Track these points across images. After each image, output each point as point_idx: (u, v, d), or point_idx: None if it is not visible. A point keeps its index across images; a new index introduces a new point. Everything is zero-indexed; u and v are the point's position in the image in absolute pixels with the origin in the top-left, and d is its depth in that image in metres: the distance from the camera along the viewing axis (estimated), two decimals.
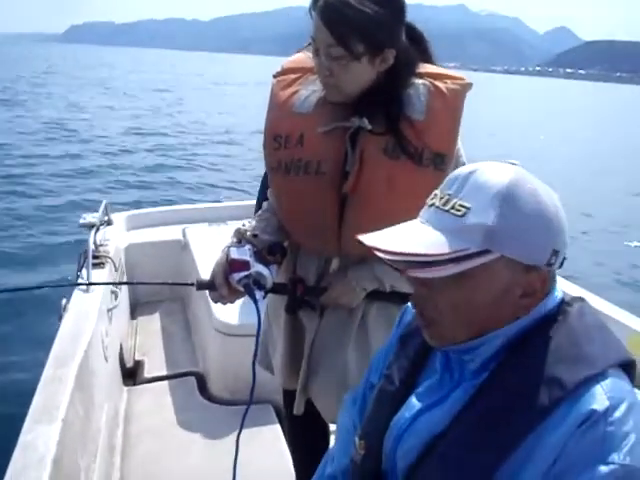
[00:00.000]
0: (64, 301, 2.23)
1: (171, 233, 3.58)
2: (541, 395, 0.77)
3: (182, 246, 3.40)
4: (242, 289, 1.30)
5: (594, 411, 0.74)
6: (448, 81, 1.35)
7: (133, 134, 15.56)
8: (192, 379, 2.79)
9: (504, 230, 0.78)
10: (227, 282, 1.31)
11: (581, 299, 0.89)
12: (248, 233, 1.44)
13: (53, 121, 17.03)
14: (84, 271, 2.48)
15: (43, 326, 3.17)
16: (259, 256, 1.36)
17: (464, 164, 1.43)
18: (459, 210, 0.80)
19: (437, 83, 1.35)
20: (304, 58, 1.45)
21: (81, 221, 2.83)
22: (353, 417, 1.13)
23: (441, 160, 1.33)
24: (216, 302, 1.39)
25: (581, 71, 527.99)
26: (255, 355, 1.28)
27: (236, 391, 2.56)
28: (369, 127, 1.32)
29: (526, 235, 0.79)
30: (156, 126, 17.31)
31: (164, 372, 2.86)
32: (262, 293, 1.32)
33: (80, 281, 2.41)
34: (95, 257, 2.62)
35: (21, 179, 9.82)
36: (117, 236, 3.26)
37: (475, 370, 0.86)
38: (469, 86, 1.37)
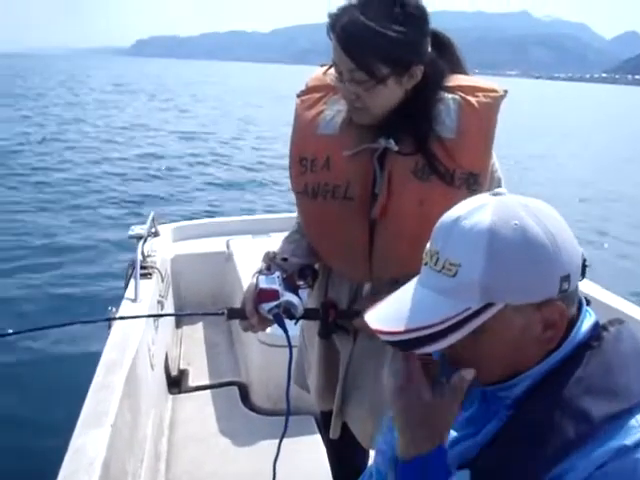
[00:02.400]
0: (113, 310, 2.31)
1: (216, 245, 3.64)
2: (567, 429, 0.73)
3: (226, 257, 3.45)
4: (272, 318, 1.27)
5: (623, 445, 0.70)
6: (480, 94, 1.28)
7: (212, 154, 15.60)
8: (235, 389, 2.83)
9: (496, 280, 0.74)
10: (257, 311, 1.28)
11: (619, 321, 0.84)
12: (277, 257, 1.39)
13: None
14: (132, 281, 2.55)
15: (92, 334, 3.27)
16: (289, 282, 1.32)
17: (500, 179, 1.38)
18: (450, 269, 0.76)
19: (468, 97, 1.27)
20: (327, 76, 1.37)
21: (130, 232, 2.91)
22: (389, 440, 1.13)
23: (474, 180, 1.27)
24: (246, 331, 1.36)
25: None
26: (289, 379, 1.27)
27: (278, 401, 2.59)
28: (396, 148, 1.27)
29: (522, 277, 0.74)
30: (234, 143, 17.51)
31: (208, 381, 2.91)
32: (293, 321, 1.30)
33: (126, 296, 2.47)
34: (142, 268, 2.70)
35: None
36: (164, 247, 3.35)
37: (509, 405, 0.83)
38: (502, 97, 1.30)
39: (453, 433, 0.90)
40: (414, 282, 0.84)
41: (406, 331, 0.77)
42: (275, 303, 1.25)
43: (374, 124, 1.30)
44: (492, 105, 1.28)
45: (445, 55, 1.33)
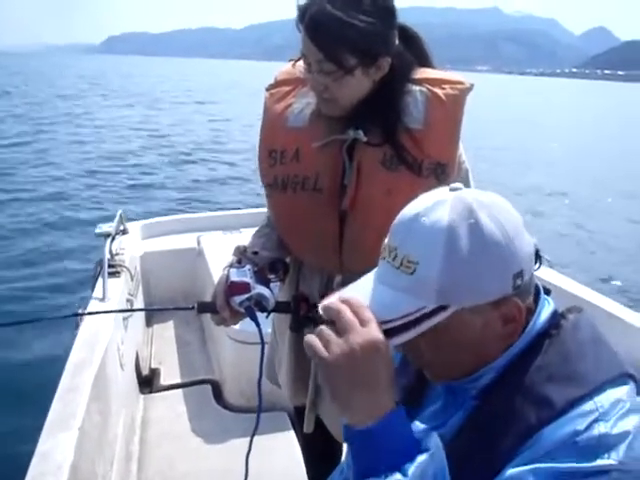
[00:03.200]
0: (80, 310, 2.25)
1: (186, 241, 3.60)
2: (529, 415, 0.74)
3: (197, 254, 3.42)
4: (243, 311, 1.26)
5: (585, 425, 0.71)
6: (447, 86, 1.30)
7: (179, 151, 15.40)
8: (208, 387, 2.80)
9: (453, 282, 0.74)
10: (228, 304, 1.27)
11: (578, 309, 0.85)
12: (248, 251, 1.39)
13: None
14: (100, 280, 2.50)
15: (59, 335, 3.20)
16: (260, 275, 1.31)
17: (467, 170, 1.41)
18: (409, 267, 0.76)
19: (435, 89, 1.30)
20: (295, 69, 1.40)
21: (97, 230, 2.85)
22: None
23: (442, 170, 1.28)
24: (219, 325, 1.35)
25: (620, 72, 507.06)
26: (260, 374, 1.26)
27: (251, 398, 2.57)
28: (364, 139, 1.28)
29: (477, 279, 0.74)
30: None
31: (180, 380, 2.88)
32: (265, 314, 1.29)
33: (94, 295, 2.42)
34: (111, 266, 2.65)
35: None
36: (132, 245, 3.29)
37: (474, 396, 0.84)
38: (469, 89, 1.32)
39: (420, 426, 0.90)
40: (371, 276, 0.84)
41: None
42: (246, 296, 1.24)
43: (343, 115, 1.31)
44: (458, 97, 1.30)
45: (412, 48, 1.34)
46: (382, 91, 1.29)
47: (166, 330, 3.36)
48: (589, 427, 0.71)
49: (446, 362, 0.83)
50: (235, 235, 3.54)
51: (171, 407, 2.65)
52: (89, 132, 17.32)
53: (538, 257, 0.84)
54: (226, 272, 1.30)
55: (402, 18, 1.31)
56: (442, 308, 0.75)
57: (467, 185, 1.43)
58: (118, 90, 37.18)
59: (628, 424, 0.71)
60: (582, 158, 17.12)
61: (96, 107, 25.02)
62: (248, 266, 1.30)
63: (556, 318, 0.82)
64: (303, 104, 1.37)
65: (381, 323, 0.75)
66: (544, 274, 2.70)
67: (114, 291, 2.48)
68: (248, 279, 1.26)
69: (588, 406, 0.72)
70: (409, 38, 1.34)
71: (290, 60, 1.44)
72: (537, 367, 0.78)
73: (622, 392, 0.75)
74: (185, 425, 2.51)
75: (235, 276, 1.26)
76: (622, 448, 0.69)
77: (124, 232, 3.32)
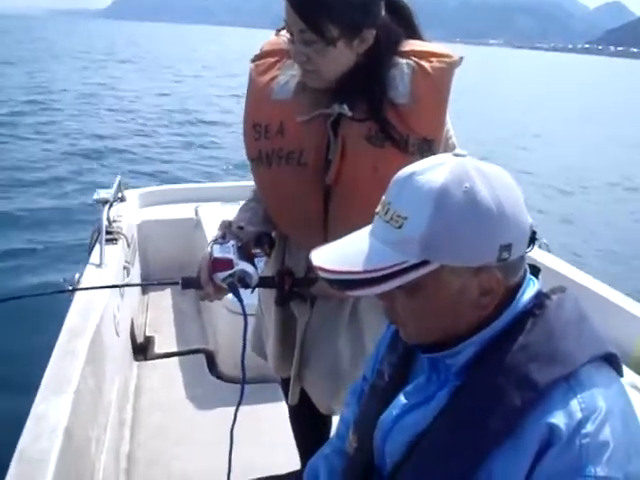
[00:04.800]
0: (77, 276, 2.26)
1: (184, 211, 3.59)
2: (514, 397, 0.75)
3: (195, 224, 3.41)
4: (226, 287, 1.26)
5: (568, 425, 0.72)
6: (434, 59, 1.26)
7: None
8: (201, 356, 2.82)
9: (437, 239, 0.75)
10: (212, 280, 1.27)
11: (561, 289, 0.85)
12: (233, 225, 1.37)
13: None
14: (97, 247, 2.50)
15: (55, 300, 3.21)
16: (244, 251, 1.30)
17: (454, 146, 1.37)
18: (397, 221, 0.78)
19: (422, 63, 1.26)
20: (282, 40, 1.35)
21: (95, 196, 2.84)
22: (353, 409, 1.13)
23: (428, 146, 1.25)
24: (203, 300, 1.35)
25: (633, 49, 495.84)
26: (244, 348, 1.28)
27: (245, 369, 2.58)
28: (349, 114, 1.25)
29: (461, 240, 0.75)
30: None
31: (174, 349, 2.89)
32: (249, 290, 1.29)
33: (91, 261, 2.42)
34: (108, 233, 2.64)
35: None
36: (130, 213, 3.28)
37: (457, 372, 0.85)
38: (457, 63, 1.27)
39: (404, 401, 0.92)
40: (365, 230, 0.85)
41: (342, 272, 0.80)
42: (229, 272, 1.24)
43: (328, 89, 1.28)
44: (446, 70, 1.26)
45: (400, 20, 1.30)
46: (367, 64, 1.26)
47: (162, 299, 3.37)
48: (574, 432, 0.71)
49: (419, 321, 0.85)
50: (234, 206, 3.49)
51: (165, 375, 2.67)
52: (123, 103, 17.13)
53: (533, 240, 0.82)
54: (210, 248, 1.29)
55: None
56: (423, 264, 0.77)
57: None
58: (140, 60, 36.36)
59: (607, 433, 0.72)
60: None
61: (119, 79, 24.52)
62: (232, 242, 1.29)
63: (540, 298, 0.83)
64: (288, 76, 1.34)
65: (364, 272, 0.78)
66: (539, 256, 2.72)
67: (111, 258, 2.48)
68: (231, 255, 1.25)
69: (573, 403, 0.73)
70: (396, 9, 1.30)
71: (277, 30, 1.40)
72: (520, 346, 0.79)
73: (604, 376, 0.77)
74: (178, 393, 2.53)
75: (218, 252, 1.26)
76: (604, 461, 0.71)
77: (122, 199, 3.31)
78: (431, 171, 0.78)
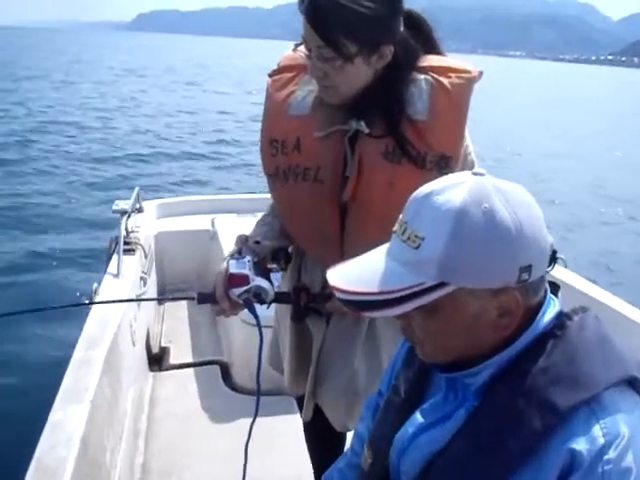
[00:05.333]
0: (95, 286, 2.28)
1: (201, 223, 3.61)
2: (534, 420, 0.74)
3: (211, 236, 3.43)
4: (242, 303, 1.26)
5: (590, 451, 0.71)
6: (453, 75, 1.24)
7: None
8: (216, 368, 2.82)
9: (455, 261, 0.74)
10: (227, 296, 1.26)
11: (583, 309, 0.83)
12: (250, 240, 1.36)
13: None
14: (115, 257, 2.52)
15: (75, 310, 3.24)
16: (260, 266, 1.30)
17: (473, 162, 1.36)
18: (414, 241, 0.76)
19: (440, 79, 1.24)
20: (299, 55, 1.34)
21: (114, 207, 2.86)
22: (368, 423, 1.13)
23: (446, 163, 1.24)
24: (219, 315, 1.35)
25: None
26: (259, 364, 1.29)
27: (260, 381, 2.58)
28: (366, 130, 1.24)
29: (480, 263, 0.74)
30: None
31: (189, 359, 2.90)
32: (265, 306, 1.30)
33: (109, 271, 2.45)
34: (126, 243, 2.67)
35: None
36: (148, 223, 3.31)
37: (475, 392, 0.84)
38: (476, 78, 1.26)
39: (421, 419, 0.91)
40: (382, 248, 0.85)
41: (357, 292, 0.79)
42: (245, 288, 1.23)
43: (345, 104, 1.27)
44: (465, 86, 1.25)
45: (419, 36, 1.29)
46: (385, 80, 1.25)
47: (177, 309, 3.39)
48: (596, 458, 0.70)
49: (436, 341, 0.83)
50: (249, 218, 3.53)
51: (179, 386, 2.68)
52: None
53: (554, 259, 0.82)
54: (226, 263, 1.29)
55: (434, 1, 1.26)
56: (441, 285, 0.75)
57: None
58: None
59: (629, 459, 0.71)
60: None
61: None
62: (248, 257, 1.29)
63: (561, 318, 0.81)
64: (305, 92, 1.33)
65: (381, 293, 0.77)
66: (556, 272, 2.68)
67: (128, 268, 2.50)
68: (247, 271, 1.25)
69: (596, 428, 0.72)
70: (415, 24, 1.28)
71: (295, 44, 1.40)
72: (541, 368, 0.77)
73: (627, 401, 0.75)
74: (192, 404, 2.54)
75: (234, 268, 1.26)
76: None
77: (140, 210, 3.34)
78: (449, 190, 0.76)
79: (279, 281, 1.53)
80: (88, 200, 7.93)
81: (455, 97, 1.24)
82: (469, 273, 0.75)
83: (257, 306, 1.27)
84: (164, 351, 2.96)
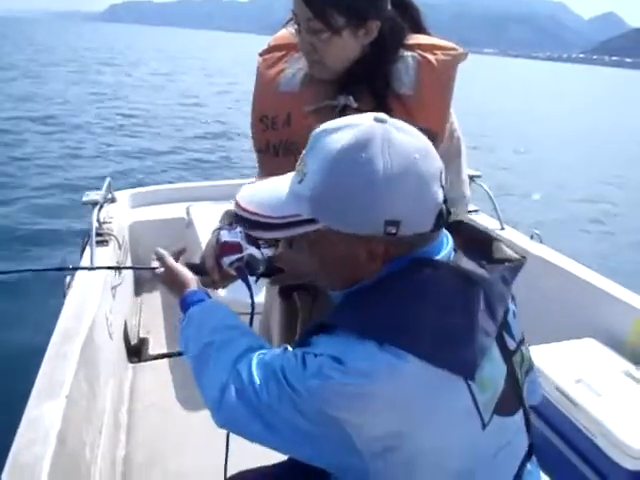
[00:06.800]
0: (68, 278, 2.23)
1: (175, 211, 3.57)
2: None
3: (186, 224, 3.39)
4: (234, 272, 1.26)
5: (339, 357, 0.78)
6: (439, 52, 1.29)
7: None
8: None
9: (325, 201, 0.80)
10: (218, 266, 1.27)
11: (435, 264, 0.83)
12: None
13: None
14: (88, 249, 2.47)
15: (47, 303, 3.19)
16: (251, 238, 1.30)
17: (459, 138, 1.40)
18: (300, 174, 0.84)
19: (427, 55, 1.28)
20: (289, 35, 1.39)
21: (84, 198, 2.81)
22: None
23: (432, 138, 1.25)
24: (207, 287, 1.34)
25: (628, 59, 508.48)
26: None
27: None
28: (355, 105, 1.26)
29: (344, 208, 0.79)
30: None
31: (168, 349, 2.87)
32: (254, 277, 1.29)
33: (82, 263, 2.40)
34: (98, 235, 2.62)
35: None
36: (121, 214, 3.26)
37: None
38: (462, 56, 1.30)
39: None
40: (288, 175, 0.91)
41: (250, 212, 0.88)
42: (237, 256, 1.24)
43: (334, 80, 1.31)
44: (451, 62, 1.29)
45: (406, 16, 1.32)
46: (373, 56, 1.28)
47: (155, 300, 3.35)
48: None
49: (318, 272, 0.92)
50: (225, 205, 3.48)
51: (159, 377, 2.65)
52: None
53: (441, 217, 0.82)
54: (215, 235, 1.30)
55: None
56: (312, 221, 0.83)
57: (459, 154, 1.43)
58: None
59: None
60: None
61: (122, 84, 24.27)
62: (239, 228, 1.29)
63: (407, 267, 0.83)
64: (295, 69, 1.37)
65: (265, 217, 0.86)
66: (531, 247, 2.74)
67: (102, 260, 2.46)
68: (240, 240, 1.26)
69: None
70: (403, 6, 1.32)
71: (283, 26, 1.43)
72: (357, 300, 0.84)
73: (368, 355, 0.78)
74: (173, 395, 2.51)
75: (227, 236, 1.26)
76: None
77: (112, 200, 3.28)
78: (340, 131, 0.81)
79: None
80: (59, 192, 7.78)
81: (441, 73, 1.28)
82: (335, 215, 0.81)
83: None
84: (143, 342, 2.92)
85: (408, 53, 1.29)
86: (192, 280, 1.19)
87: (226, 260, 1.25)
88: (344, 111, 1.29)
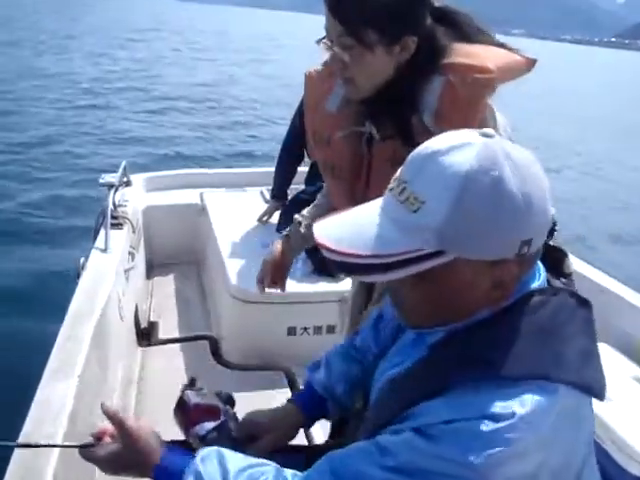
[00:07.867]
0: (82, 260, 2.25)
1: (189, 197, 3.57)
2: (433, 379, 0.76)
3: (199, 210, 3.40)
4: (198, 445, 1.02)
5: (489, 413, 0.69)
6: (469, 76, 1.16)
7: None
8: (205, 343, 2.81)
9: (456, 231, 0.70)
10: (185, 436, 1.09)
11: (553, 291, 0.80)
12: (303, 222, 1.50)
13: None
14: (102, 231, 2.48)
15: (61, 284, 3.21)
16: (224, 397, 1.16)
17: None
18: (413, 204, 0.72)
19: (455, 81, 1.17)
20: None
21: (100, 180, 2.82)
22: (369, 332, 1.18)
23: None
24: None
25: None
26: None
27: (248, 356, 2.58)
28: (377, 136, 1.26)
29: (483, 234, 0.71)
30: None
31: (178, 334, 2.89)
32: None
33: (96, 246, 2.41)
34: (113, 217, 2.63)
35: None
36: (136, 197, 3.26)
37: (428, 347, 0.84)
38: (495, 80, 1.17)
39: (390, 358, 0.97)
40: (374, 205, 0.80)
41: (348, 254, 0.74)
42: (215, 424, 1.07)
43: (364, 100, 1.26)
44: (479, 88, 1.18)
45: (452, 28, 1.23)
46: (401, 80, 1.21)
47: (166, 284, 3.37)
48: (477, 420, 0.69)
49: (421, 311, 0.82)
50: (239, 193, 3.50)
51: (168, 361, 2.67)
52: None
53: (553, 231, 0.80)
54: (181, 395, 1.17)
55: None
56: (439, 253, 0.72)
57: None
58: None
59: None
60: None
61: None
62: (205, 390, 1.16)
63: (526, 297, 0.79)
64: (340, 90, 1.35)
65: (374, 257, 0.73)
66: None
67: (116, 242, 2.47)
68: (217, 402, 1.11)
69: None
70: (447, 19, 1.23)
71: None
72: (480, 340, 0.76)
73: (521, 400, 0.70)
74: (182, 379, 2.50)
75: (197, 398, 1.11)
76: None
77: (127, 184, 3.29)
78: (456, 152, 0.72)
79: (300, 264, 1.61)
80: (74, 175, 7.79)
81: (463, 101, 1.18)
82: (470, 244, 0.71)
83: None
84: (153, 326, 2.93)
85: (438, 77, 1.19)
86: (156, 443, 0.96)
87: (199, 430, 1.06)
88: (371, 139, 1.29)
